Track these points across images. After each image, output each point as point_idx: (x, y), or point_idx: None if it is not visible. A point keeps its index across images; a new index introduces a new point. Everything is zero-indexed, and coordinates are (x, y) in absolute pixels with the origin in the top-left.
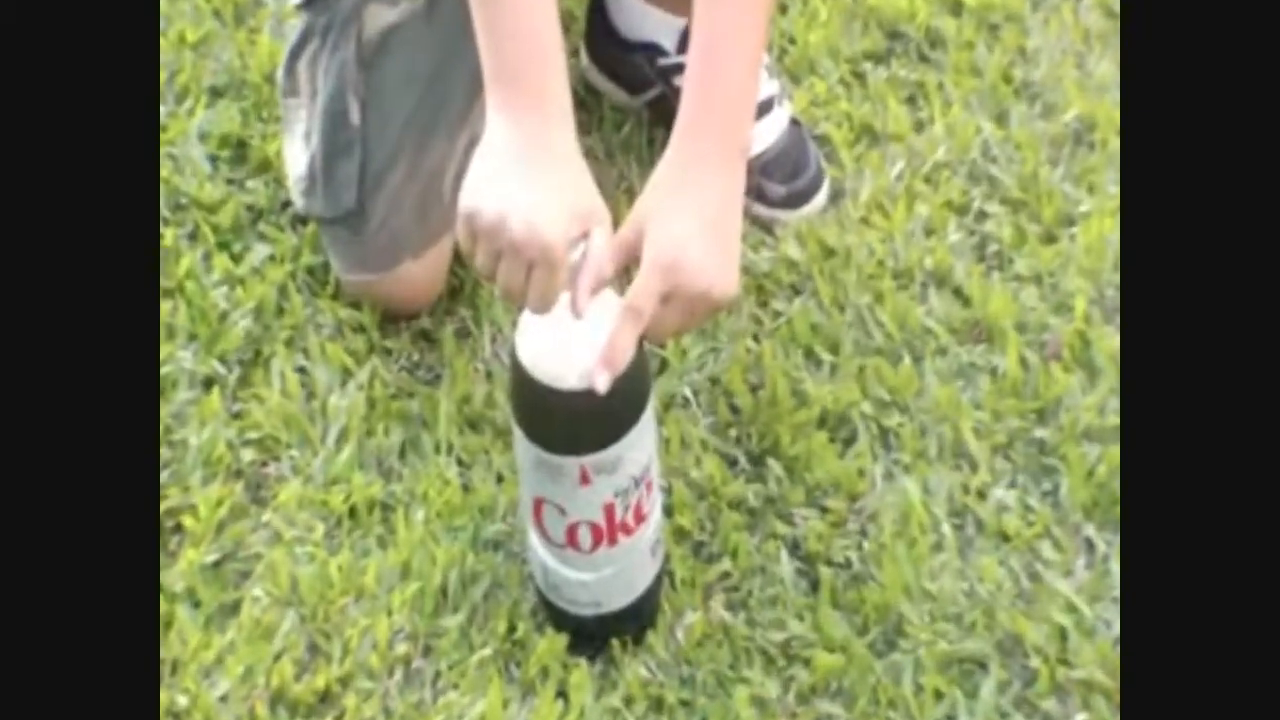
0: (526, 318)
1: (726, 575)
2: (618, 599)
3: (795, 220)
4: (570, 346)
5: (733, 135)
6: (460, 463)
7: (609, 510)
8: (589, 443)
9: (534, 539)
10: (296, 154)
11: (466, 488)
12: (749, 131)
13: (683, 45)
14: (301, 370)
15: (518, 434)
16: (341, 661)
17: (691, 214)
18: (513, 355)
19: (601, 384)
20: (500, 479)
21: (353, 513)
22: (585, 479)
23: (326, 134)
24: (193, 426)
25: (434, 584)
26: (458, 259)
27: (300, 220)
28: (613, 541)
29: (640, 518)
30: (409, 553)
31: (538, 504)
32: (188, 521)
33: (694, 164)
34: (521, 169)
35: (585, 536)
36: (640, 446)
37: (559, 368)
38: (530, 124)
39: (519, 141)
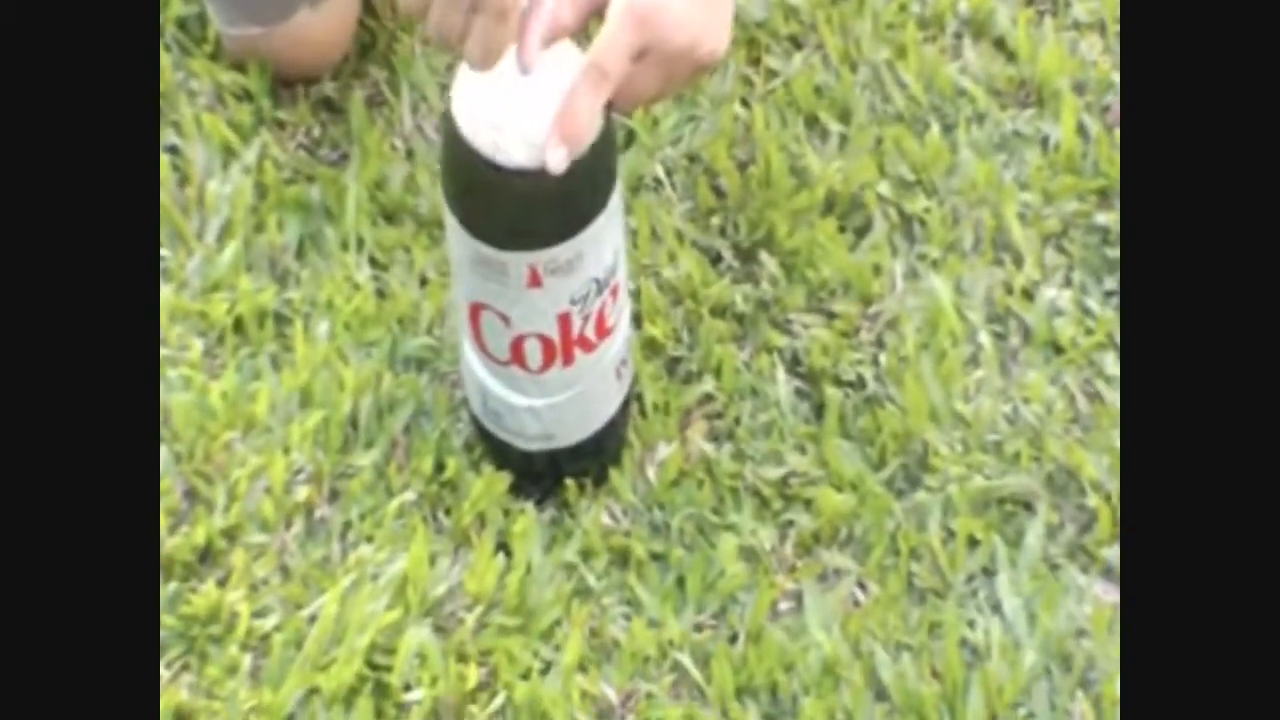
0: (464, 75)
1: (709, 398)
2: (574, 431)
3: None
4: (519, 113)
5: None
6: (373, 262)
7: (564, 321)
8: (540, 235)
9: (470, 355)
10: None
11: (381, 294)
12: None
13: None
14: (172, 149)
15: (451, 223)
16: (226, 510)
17: None
18: (446, 122)
19: (555, 161)
20: (424, 282)
21: (239, 326)
22: (535, 281)
23: None
24: None
25: (341, 413)
26: (367, 6)
27: None
28: (568, 360)
29: (603, 331)
30: (310, 375)
31: (475, 311)
32: None
33: None
34: None
35: (534, 352)
36: (603, 241)
37: (504, 139)
38: None
39: None
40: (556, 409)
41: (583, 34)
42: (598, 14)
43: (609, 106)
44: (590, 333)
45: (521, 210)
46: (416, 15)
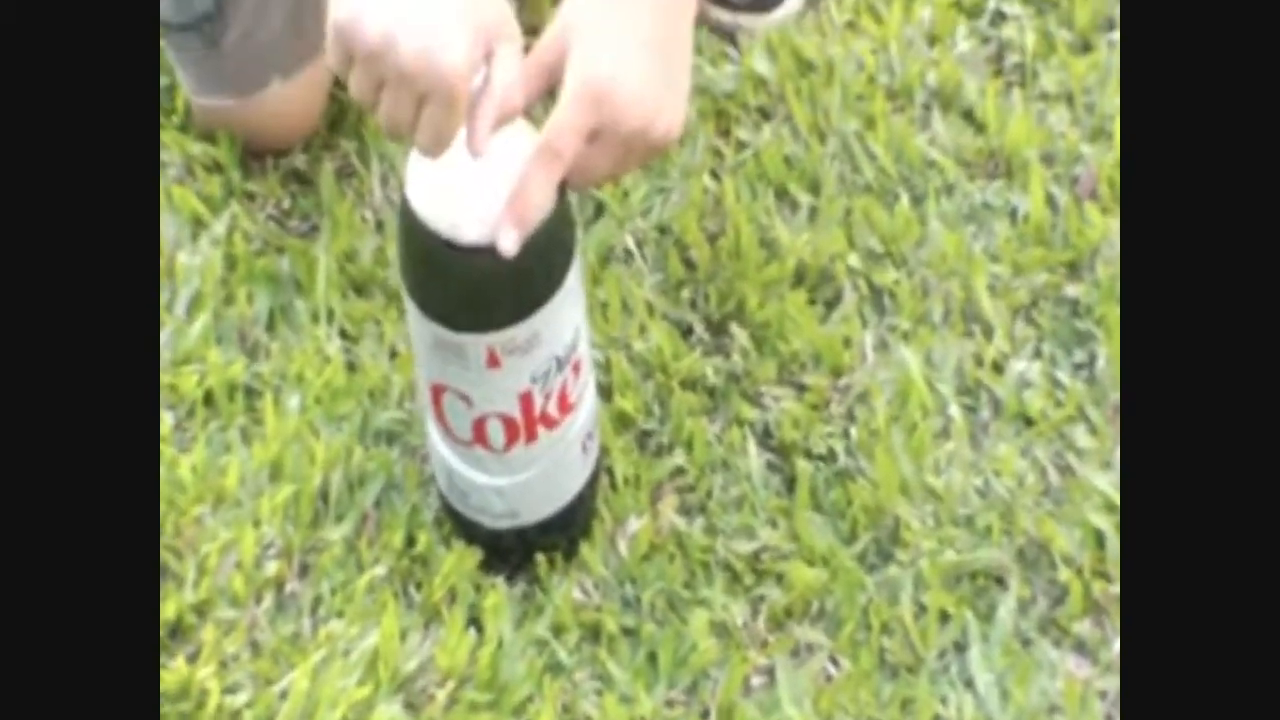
0: (417, 158)
1: (680, 471)
2: (540, 507)
3: (764, 27)
4: (471, 192)
5: None
6: (344, 335)
7: (525, 400)
8: (496, 316)
9: (434, 435)
10: None
11: (352, 366)
12: None
13: None
14: None
15: (410, 306)
16: (196, 585)
17: (627, 27)
18: (402, 204)
19: (508, 243)
20: (394, 354)
21: (209, 399)
22: (494, 361)
23: None
24: None
25: (312, 487)
26: (338, 79)
27: None
28: (531, 437)
29: (566, 407)
30: (280, 448)
31: (437, 392)
32: None
33: None
34: None
35: (497, 432)
36: (562, 320)
37: (457, 218)
38: None
39: None
40: (521, 487)
41: (540, 107)
42: (549, 93)
43: (563, 185)
44: (553, 410)
45: (476, 291)
46: (367, 108)
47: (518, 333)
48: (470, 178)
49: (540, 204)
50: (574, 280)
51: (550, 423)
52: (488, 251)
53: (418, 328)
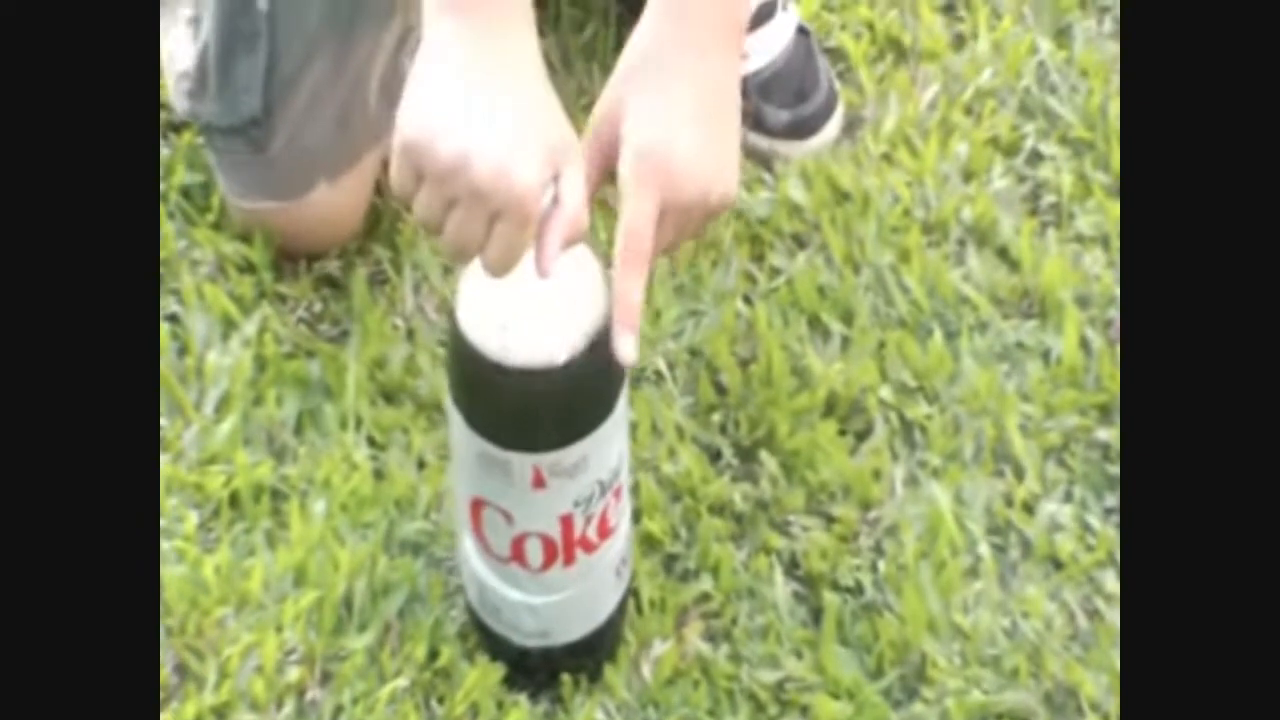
0: (471, 278)
1: (706, 597)
2: (572, 629)
3: (800, 155)
4: (525, 313)
5: (726, 12)
6: (372, 442)
7: (566, 522)
8: (546, 438)
9: (469, 548)
10: (180, 43)
11: (379, 474)
12: (745, 11)
13: None
14: (172, 318)
15: (456, 419)
16: (217, 688)
17: (675, 101)
18: (453, 325)
19: (627, 351)
20: (421, 465)
21: (234, 500)
22: (539, 482)
23: (223, 20)
24: None
25: (336, 594)
26: (374, 184)
27: (173, 127)
28: (569, 560)
29: (605, 531)
30: (305, 554)
31: (476, 506)
32: None
33: (675, 48)
34: (481, 91)
35: (535, 552)
36: (610, 445)
37: (511, 340)
38: (484, 25)
39: (472, 49)
40: (555, 607)
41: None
42: (609, 176)
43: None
44: (593, 533)
45: (528, 412)
46: (431, 229)
47: (566, 456)
48: (523, 296)
49: (639, 302)
50: (623, 407)
51: (589, 546)
52: (542, 374)
53: (463, 440)
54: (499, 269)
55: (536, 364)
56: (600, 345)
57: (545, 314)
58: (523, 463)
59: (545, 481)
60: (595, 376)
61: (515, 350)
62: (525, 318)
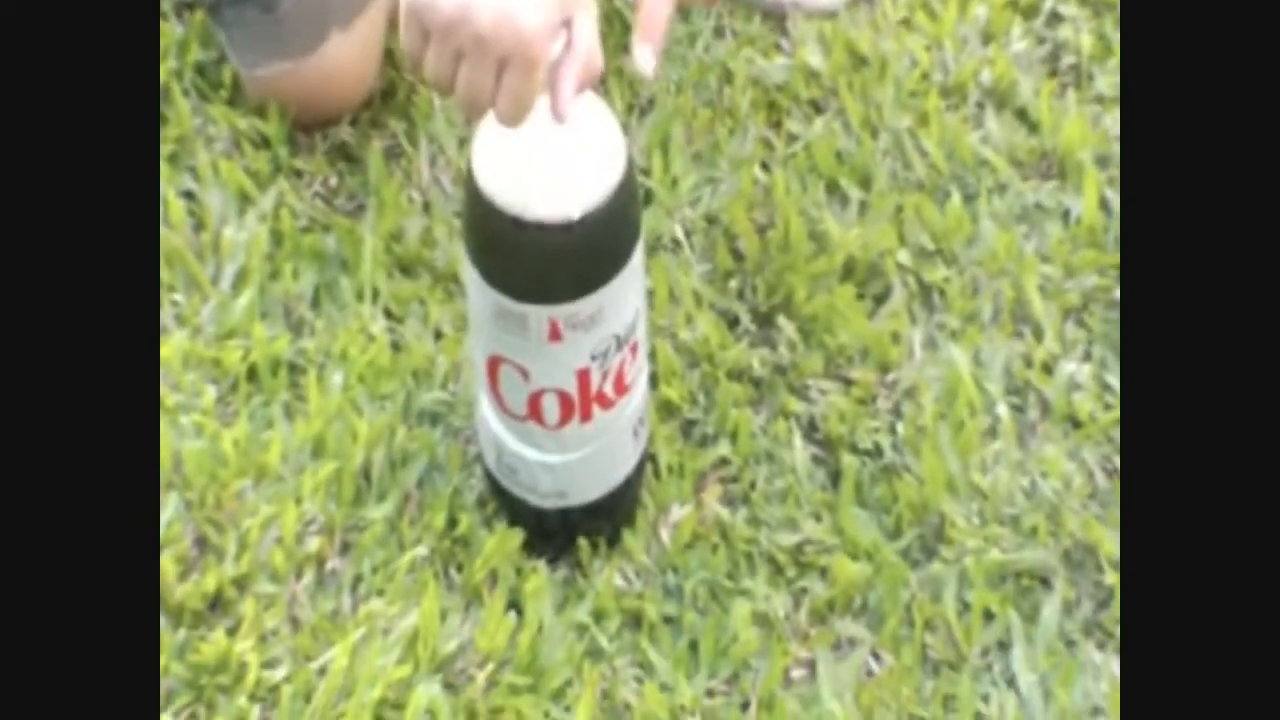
0: (485, 131)
1: (724, 462)
2: (589, 489)
3: (816, 17)
4: (540, 166)
5: None
6: (388, 314)
7: (583, 377)
8: (562, 289)
9: (487, 409)
10: None
11: (396, 346)
12: None
13: None
14: (188, 195)
15: (472, 275)
16: (237, 559)
17: None
18: (469, 180)
19: (647, 63)
20: (438, 336)
21: (252, 374)
22: (555, 335)
23: None
24: None
25: (354, 465)
26: (389, 55)
27: (186, 5)
28: (586, 416)
29: (622, 388)
30: (323, 425)
31: (494, 364)
32: None
33: None
34: None
35: (552, 408)
36: (625, 298)
37: (525, 195)
38: None
39: None
40: (572, 466)
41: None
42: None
43: (631, 165)
44: (609, 390)
45: (544, 264)
46: (440, 88)
47: (582, 308)
48: (538, 149)
49: (665, 20)
50: (638, 260)
51: (606, 403)
52: (557, 226)
53: (479, 296)
54: (511, 119)
55: (553, 216)
56: (617, 197)
57: (561, 166)
58: (539, 315)
59: (561, 334)
60: (612, 228)
61: (532, 203)
62: (541, 171)
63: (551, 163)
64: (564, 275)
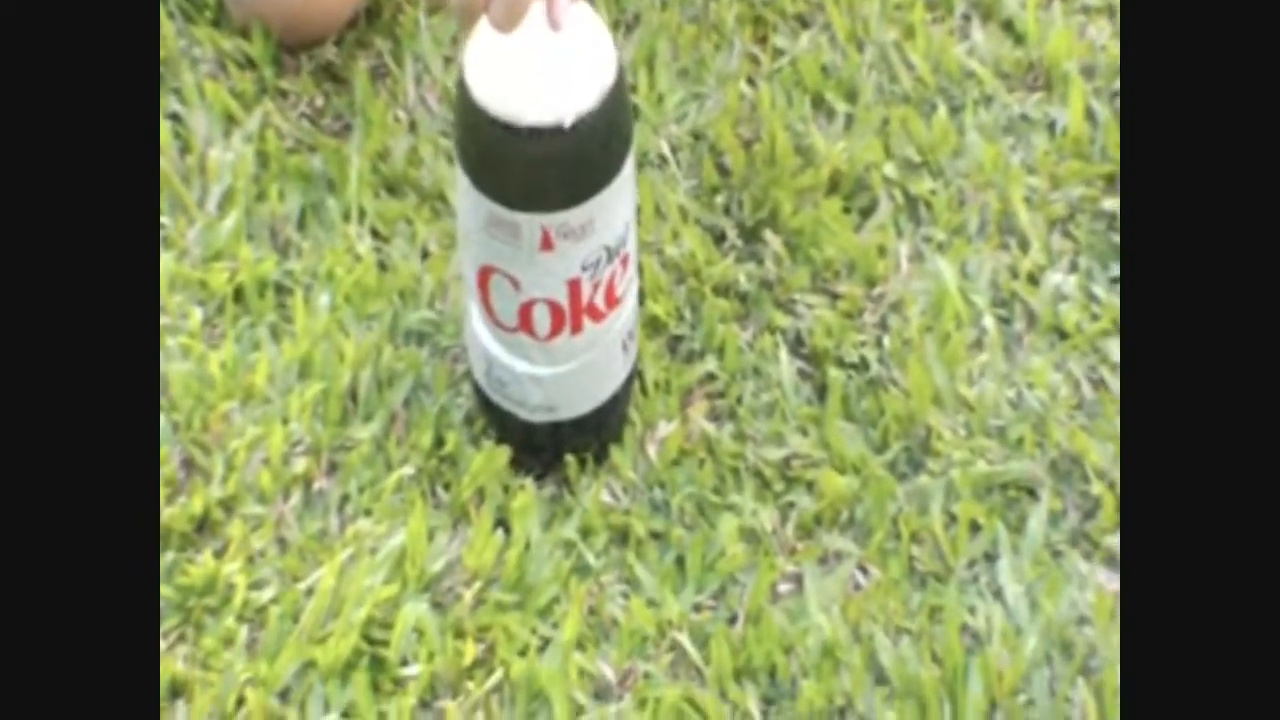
0: (477, 39)
1: (711, 377)
2: (578, 403)
3: None
4: (533, 73)
5: None
6: (375, 234)
7: (574, 287)
8: (555, 198)
9: (477, 321)
10: None
11: (383, 265)
12: None
13: None
14: (174, 117)
15: (464, 184)
16: (224, 481)
17: None
18: (460, 87)
19: None
20: (425, 255)
21: (239, 296)
22: (547, 244)
23: None
24: None
25: (341, 385)
26: None
27: None
28: (576, 328)
29: (612, 301)
30: (310, 346)
31: (484, 275)
32: None
33: None
34: None
35: (543, 319)
36: (616, 208)
37: (518, 102)
38: None
39: None
40: (561, 379)
41: None
42: None
43: (622, 74)
44: (600, 301)
45: (536, 171)
46: None
47: (573, 216)
48: (530, 58)
49: None
50: (629, 171)
51: (596, 315)
52: (550, 133)
53: (471, 206)
54: (505, 23)
55: (546, 123)
56: (609, 102)
57: (554, 73)
58: (531, 224)
59: (553, 243)
60: (603, 134)
61: (524, 109)
62: (534, 78)
63: (544, 69)
64: (556, 182)
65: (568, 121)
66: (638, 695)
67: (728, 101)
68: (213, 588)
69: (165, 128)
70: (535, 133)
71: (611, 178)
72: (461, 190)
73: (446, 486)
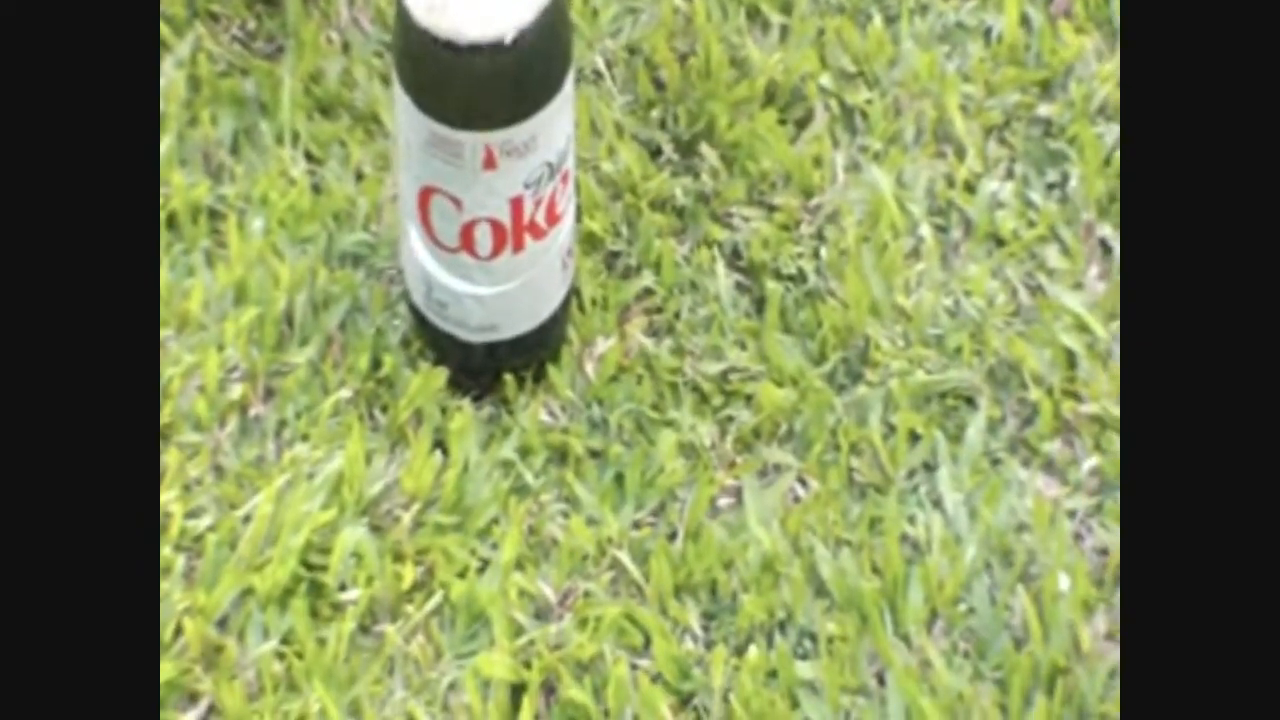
0: None
1: (648, 293)
2: (518, 322)
3: None
4: None
5: None
6: (309, 157)
7: (517, 205)
8: (497, 116)
9: (416, 241)
10: None
11: (317, 188)
12: None
13: None
14: None
15: (404, 103)
16: (160, 409)
17: None
18: (399, 6)
19: None
20: (359, 177)
21: (172, 222)
22: (490, 163)
23: None
24: None
25: (277, 309)
26: None
27: None
28: (518, 246)
29: (553, 218)
30: (244, 271)
31: (425, 196)
32: None
33: None
34: None
35: (485, 238)
36: (558, 125)
37: (458, 19)
38: None
39: None
40: (503, 298)
41: None
42: None
43: None
44: (541, 219)
45: (478, 88)
46: None
47: (516, 134)
48: None
49: None
50: (569, 87)
51: (538, 232)
52: (491, 49)
53: (411, 125)
54: None
55: (486, 39)
56: (548, 16)
57: None
58: (474, 142)
59: (496, 161)
60: (545, 52)
61: (464, 26)
62: None
63: None
64: (498, 100)
65: (508, 37)
66: (578, 614)
67: (662, 15)
68: None
69: None
70: (476, 49)
71: (554, 93)
72: (401, 111)
73: (384, 409)
